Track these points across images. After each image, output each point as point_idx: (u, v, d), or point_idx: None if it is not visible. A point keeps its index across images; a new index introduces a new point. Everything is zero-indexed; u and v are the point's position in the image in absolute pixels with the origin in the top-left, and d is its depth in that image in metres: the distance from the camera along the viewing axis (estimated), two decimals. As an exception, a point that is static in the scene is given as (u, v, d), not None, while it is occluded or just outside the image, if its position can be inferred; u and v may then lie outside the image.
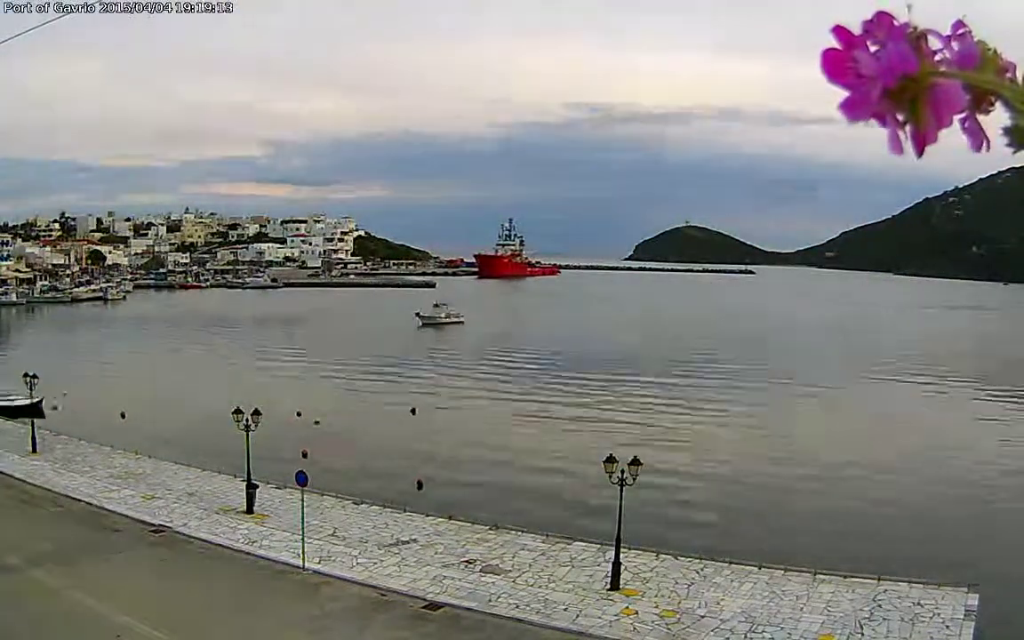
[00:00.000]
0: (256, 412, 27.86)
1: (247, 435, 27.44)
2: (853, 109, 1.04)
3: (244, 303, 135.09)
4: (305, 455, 34.90)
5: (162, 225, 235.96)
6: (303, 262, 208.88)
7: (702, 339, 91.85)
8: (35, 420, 37.45)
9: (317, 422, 43.29)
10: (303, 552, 23.40)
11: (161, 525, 26.53)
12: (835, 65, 1.04)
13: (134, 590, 21.30)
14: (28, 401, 40.97)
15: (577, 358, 74.09)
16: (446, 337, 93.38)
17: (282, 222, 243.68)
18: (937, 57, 1.07)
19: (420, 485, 32.86)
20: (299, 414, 44.40)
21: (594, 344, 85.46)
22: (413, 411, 47.73)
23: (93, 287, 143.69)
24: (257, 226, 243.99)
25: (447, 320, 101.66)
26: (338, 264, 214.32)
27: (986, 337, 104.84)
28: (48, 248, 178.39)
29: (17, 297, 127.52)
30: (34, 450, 34.54)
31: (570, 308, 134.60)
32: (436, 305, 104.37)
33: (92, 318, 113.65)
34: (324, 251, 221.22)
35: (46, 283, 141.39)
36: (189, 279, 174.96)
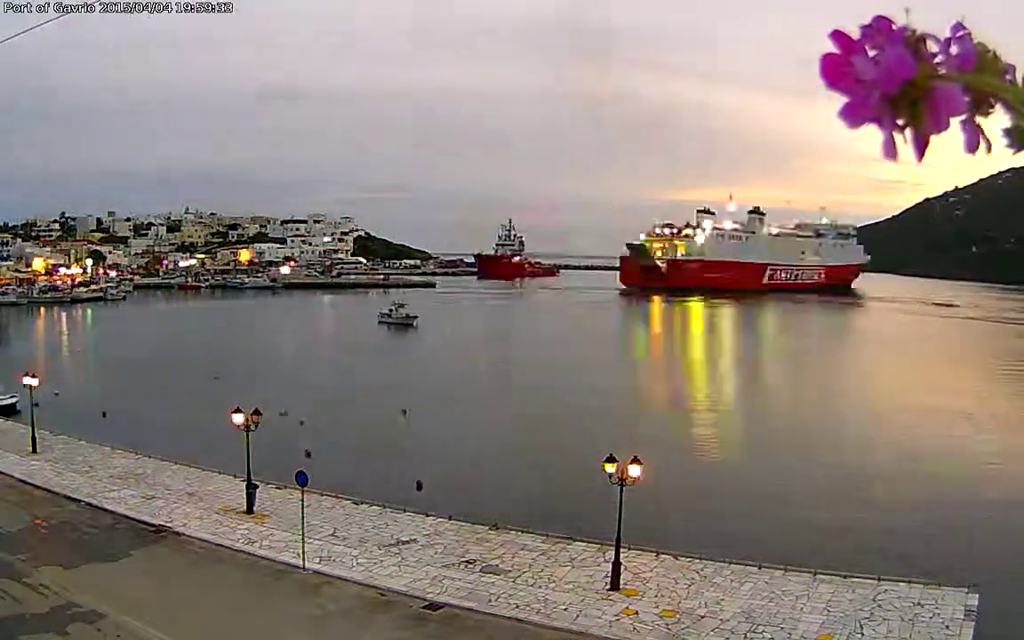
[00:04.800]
0: (256, 412, 27.86)
1: (247, 435, 27.44)
2: (852, 115, 1.04)
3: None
4: (308, 454, 34.87)
5: (162, 225, 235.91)
6: (304, 263, 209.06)
7: (699, 338, 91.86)
8: (33, 420, 37.39)
9: (302, 422, 42.34)
10: (303, 552, 23.39)
11: (161, 525, 26.51)
12: (834, 70, 1.04)
13: (134, 590, 21.31)
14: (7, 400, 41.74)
15: (576, 357, 74.11)
16: (443, 336, 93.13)
17: (282, 222, 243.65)
18: (936, 60, 1.07)
19: (420, 486, 32.82)
20: (283, 414, 43.24)
21: (592, 343, 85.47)
22: (404, 412, 47.21)
23: (93, 287, 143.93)
24: (257, 226, 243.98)
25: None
26: (338, 264, 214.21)
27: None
28: (48, 248, 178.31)
29: (17, 297, 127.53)
30: (34, 450, 34.53)
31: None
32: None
33: (92, 318, 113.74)
34: (324, 251, 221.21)
35: (46, 283, 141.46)
36: (189, 279, 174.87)
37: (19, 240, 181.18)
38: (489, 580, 22.61)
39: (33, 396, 36.25)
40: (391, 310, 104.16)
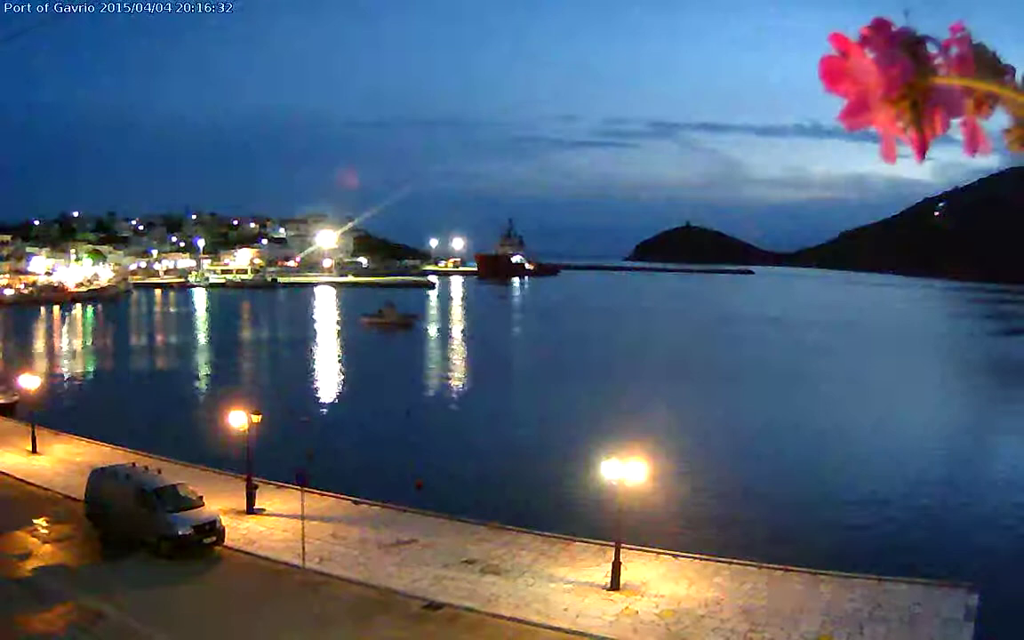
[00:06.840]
0: (256, 411, 27.85)
1: (247, 435, 27.44)
2: (852, 117, 1.03)
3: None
4: (311, 457, 34.85)
5: (162, 225, 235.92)
6: (303, 261, 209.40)
7: (700, 339, 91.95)
8: (34, 419, 37.41)
9: (304, 419, 43.31)
10: (303, 552, 23.38)
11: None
12: (833, 73, 1.04)
13: (134, 590, 21.30)
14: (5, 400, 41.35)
15: (576, 357, 74.14)
16: (443, 337, 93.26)
17: (282, 222, 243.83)
18: (936, 61, 1.07)
19: (420, 486, 32.83)
20: (303, 419, 44.55)
21: (592, 343, 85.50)
22: (408, 412, 47.45)
23: (93, 286, 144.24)
24: (257, 226, 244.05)
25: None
26: (338, 263, 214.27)
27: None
28: (48, 248, 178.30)
29: (16, 297, 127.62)
30: (34, 450, 34.51)
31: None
32: None
33: (93, 317, 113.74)
34: (324, 250, 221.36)
35: (46, 283, 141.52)
36: (188, 278, 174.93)
37: (19, 240, 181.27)
38: (489, 580, 22.60)
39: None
40: (380, 311, 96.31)
